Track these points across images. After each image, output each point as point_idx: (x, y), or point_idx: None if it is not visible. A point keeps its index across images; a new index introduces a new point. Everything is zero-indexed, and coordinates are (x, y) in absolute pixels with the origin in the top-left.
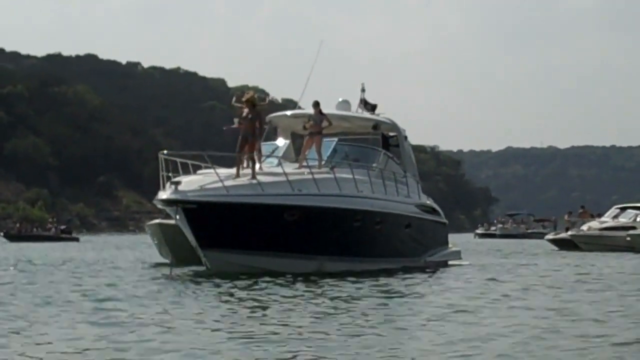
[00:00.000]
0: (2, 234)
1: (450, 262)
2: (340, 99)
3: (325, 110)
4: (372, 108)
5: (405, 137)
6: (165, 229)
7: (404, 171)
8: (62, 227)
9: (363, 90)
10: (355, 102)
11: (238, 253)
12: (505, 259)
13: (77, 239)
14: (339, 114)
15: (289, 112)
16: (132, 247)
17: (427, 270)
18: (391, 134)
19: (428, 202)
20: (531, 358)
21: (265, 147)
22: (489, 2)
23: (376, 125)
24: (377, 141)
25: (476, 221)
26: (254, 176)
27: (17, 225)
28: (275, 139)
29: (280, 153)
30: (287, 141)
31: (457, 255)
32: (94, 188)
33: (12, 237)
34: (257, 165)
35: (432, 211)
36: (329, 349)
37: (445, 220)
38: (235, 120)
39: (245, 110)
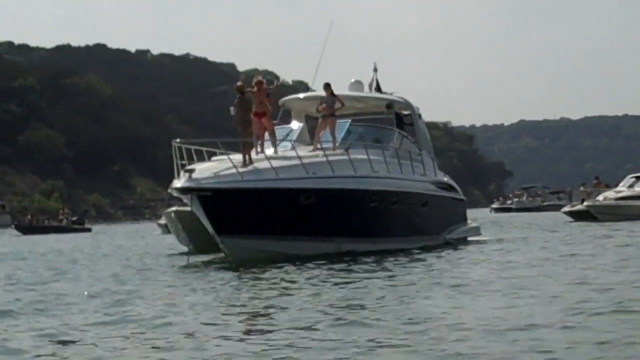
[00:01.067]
0: (13, 225)
1: (469, 238)
2: (352, 80)
3: (338, 91)
4: (378, 90)
5: (419, 115)
6: (182, 216)
7: (419, 149)
8: (74, 218)
9: (375, 70)
10: (367, 82)
11: (255, 238)
12: (536, 232)
13: (89, 230)
14: (351, 94)
15: (301, 95)
16: (145, 236)
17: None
18: (405, 112)
19: (445, 179)
20: None
21: (279, 130)
22: None
23: (390, 104)
24: (391, 120)
25: (491, 196)
26: (250, 161)
27: (29, 216)
28: (289, 122)
29: (294, 136)
30: (301, 124)
31: (476, 231)
32: (108, 177)
33: (24, 229)
34: (271, 150)
35: (449, 188)
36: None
37: (462, 197)
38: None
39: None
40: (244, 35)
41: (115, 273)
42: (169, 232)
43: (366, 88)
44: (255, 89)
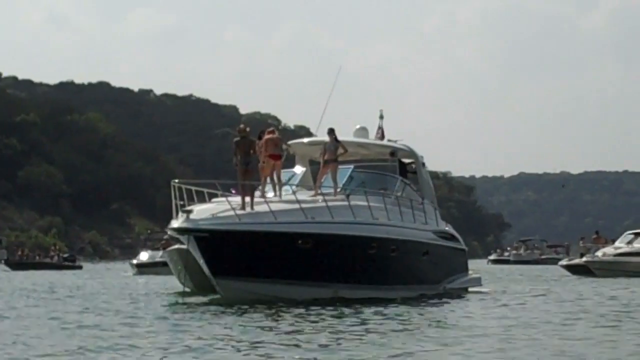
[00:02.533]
0: (3, 261)
1: (470, 289)
2: (357, 126)
3: (342, 137)
4: (381, 138)
5: (423, 164)
6: (184, 255)
7: (421, 198)
8: (65, 255)
9: (381, 117)
10: (373, 129)
11: (251, 281)
12: (531, 285)
13: (80, 267)
14: (356, 140)
15: (306, 140)
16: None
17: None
18: (408, 160)
19: (446, 228)
20: None
21: (283, 174)
22: (501, 30)
23: (393, 152)
24: (395, 168)
25: (489, 247)
26: (252, 206)
27: (19, 252)
28: (293, 167)
29: (296, 180)
30: (304, 168)
31: (477, 282)
32: (106, 215)
33: (14, 265)
34: (272, 194)
35: (451, 238)
36: None
37: (464, 247)
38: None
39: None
40: (247, 78)
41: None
42: (140, 273)
43: (371, 135)
44: (271, 134)
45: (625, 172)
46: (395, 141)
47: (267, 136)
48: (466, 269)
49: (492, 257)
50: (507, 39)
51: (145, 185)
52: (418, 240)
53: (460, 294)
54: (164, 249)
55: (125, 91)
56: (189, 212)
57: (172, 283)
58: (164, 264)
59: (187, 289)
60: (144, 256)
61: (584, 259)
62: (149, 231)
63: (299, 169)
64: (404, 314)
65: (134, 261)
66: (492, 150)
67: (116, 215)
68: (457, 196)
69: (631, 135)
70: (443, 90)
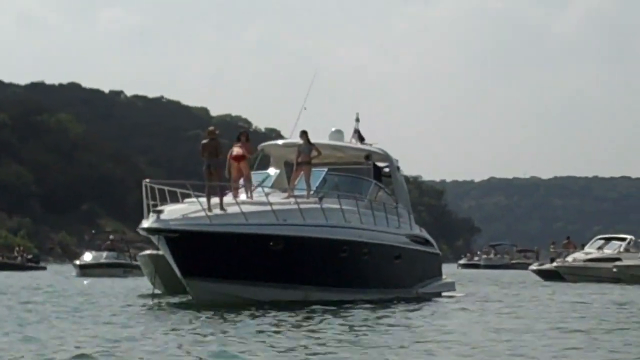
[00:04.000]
0: None
1: (444, 294)
2: (333, 129)
3: (317, 140)
4: (361, 141)
5: (398, 168)
6: (156, 260)
7: (395, 202)
8: (29, 256)
9: (357, 120)
10: (348, 132)
11: (222, 282)
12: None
13: (44, 268)
14: (331, 143)
15: (280, 142)
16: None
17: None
18: (383, 164)
19: (420, 232)
20: None
21: (256, 176)
22: (471, 34)
23: (368, 155)
24: (369, 171)
25: (459, 252)
26: (221, 206)
27: None
28: (267, 168)
29: (270, 182)
30: (278, 170)
31: (451, 286)
32: (76, 216)
33: None
34: (244, 195)
35: (425, 242)
36: None
37: (438, 251)
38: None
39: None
40: (218, 80)
41: None
42: (83, 275)
43: (347, 138)
44: (242, 140)
45: (595, 177)
46: (370, 145)
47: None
48: (440, 274)
49: (462, 261)
50: (479, 44)
51: (115, 186)
52: (390, 244)
53: (432, 298)
54: (108, 250)
55: (96, 92)
56: (160, 212)
57: (113, 284)
58: (109, 265)
59: (158, 291)
60: (87, 257)
61: (555, 264)
62: (93, 231)
63: (272, 171)
64: (371, 317)
65: (77, 262)
66: (462, 154)
67: (86, 216)
68: (427, 200)
69: (601, 141)
70: (413, 95)
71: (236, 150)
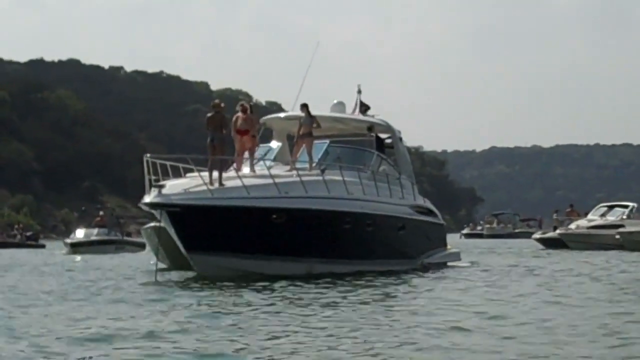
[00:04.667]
0: None
1: (449, 264)
2: (334, 101)
3: (319, 113)
4: (365, 109)
5: (400, 139)
6: (160, 232)
7: (398, 173)
8: (28, 233)
9: (359, 91)
10: (350, 104)
11: (225, 256)
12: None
13: (43, 246)
14: (333, 115)
15: (282, 115)
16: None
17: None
18: (385, 135)
19: (424, 203)
20: None
21: (260, 149)
22: (471, 5)
23: (370, 126)
24: (372, 143)
25: (461, 222)
26: (220, 182)
27: None
28: (270, 142)
29: (272, 155)
30: (280, 143)
31: (456, 256)
32: (78, 193)
33: None
34: (247, 169)
35: (428, 212)
36: None
37: (442, 222)
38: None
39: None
40: (218, 54)
41: None
42: (75, 252)
43: (349, 110)
44: (240, 112)
45: (597, 145)
46: (373, 116)
47: (237, 114)
48: (445, 244)
49: (464, 231)
50: (478, 14)
51: (116, 162)
52: (394, 215)
53: (438, 268)
54: (99, 226)
55: (96, 68)
56: (162, 187)
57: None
58: (100, 242)
59: (164, 265)
60: (79, 234)
61: (558, 231)
62: (83, 208)
63: (275, 144)
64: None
65: (68, 240)
66: (463, 124)
67: (88, 193)
68: (429, 170)
69: (602, 109)
70: (414, 66)
71: (240, 123)
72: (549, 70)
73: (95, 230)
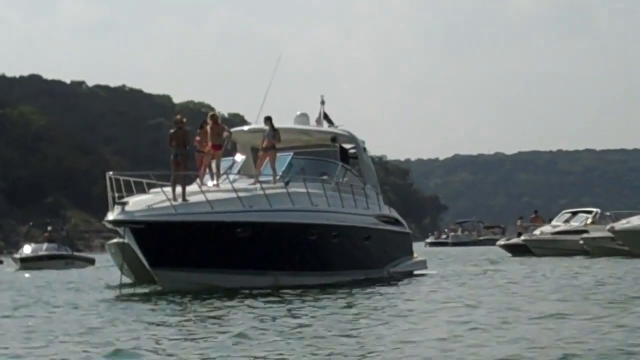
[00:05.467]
0: None
1: (415, 272)
2: (298, 112)
3: (283, 125)
4: (329, 121)
5: (364, 149)
6: (124, 248)
7: (363, 183)
8: None
9: (322, 102)
10: (313, 115)
11: (190, 271)
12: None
13: (0, 262)
14: (296, 127)
15: (246, 127)
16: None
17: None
18: (349, 146)
19: (389, 212)
20: None
21: (223, 162)
22: (432, 12)
23: (334, 137)
24: (336, 153)
25: (426, 230)
26: (183, 197)
27: None
28: (234, 155)
29: (236, 169)
30: (244, 156)
31: (422, 265)
32: (41, 208)
33: None
34: (212, 183)
35: (394, 222)
36: None
37: (408, 230)
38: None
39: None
40: (179, 67)
41: None
42: (25, 268)
43: (312, 122)
44: (210, 123)
45: (560, 151)
46: (336, 127)
47: (210, 124)
48: (411, 253)
49: (429, 239)
50: (439, 22)
51: (80, 177)
52: (360, 225)
53: (404, 277)
54: (47, 242)
55: (58, 83)
56: (125, 203)
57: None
58: (49, 257)
59: (130, 280)
60: (27, 250)
61: (522, 237)
62: (30, 223)
63: (239, 157)
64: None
65: (17, 255)
66: (426, 133)
67: (51, 208)
68: (393, 180)
69: (565, 115)
70: (376, 74)
71: (214, 138)
72: (510, 77)
73: (44, 245)
